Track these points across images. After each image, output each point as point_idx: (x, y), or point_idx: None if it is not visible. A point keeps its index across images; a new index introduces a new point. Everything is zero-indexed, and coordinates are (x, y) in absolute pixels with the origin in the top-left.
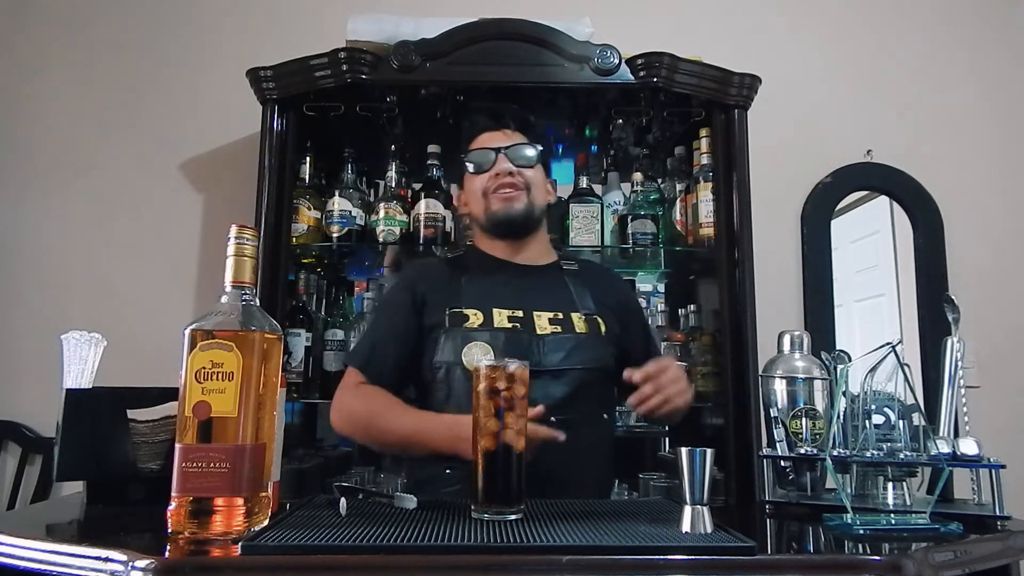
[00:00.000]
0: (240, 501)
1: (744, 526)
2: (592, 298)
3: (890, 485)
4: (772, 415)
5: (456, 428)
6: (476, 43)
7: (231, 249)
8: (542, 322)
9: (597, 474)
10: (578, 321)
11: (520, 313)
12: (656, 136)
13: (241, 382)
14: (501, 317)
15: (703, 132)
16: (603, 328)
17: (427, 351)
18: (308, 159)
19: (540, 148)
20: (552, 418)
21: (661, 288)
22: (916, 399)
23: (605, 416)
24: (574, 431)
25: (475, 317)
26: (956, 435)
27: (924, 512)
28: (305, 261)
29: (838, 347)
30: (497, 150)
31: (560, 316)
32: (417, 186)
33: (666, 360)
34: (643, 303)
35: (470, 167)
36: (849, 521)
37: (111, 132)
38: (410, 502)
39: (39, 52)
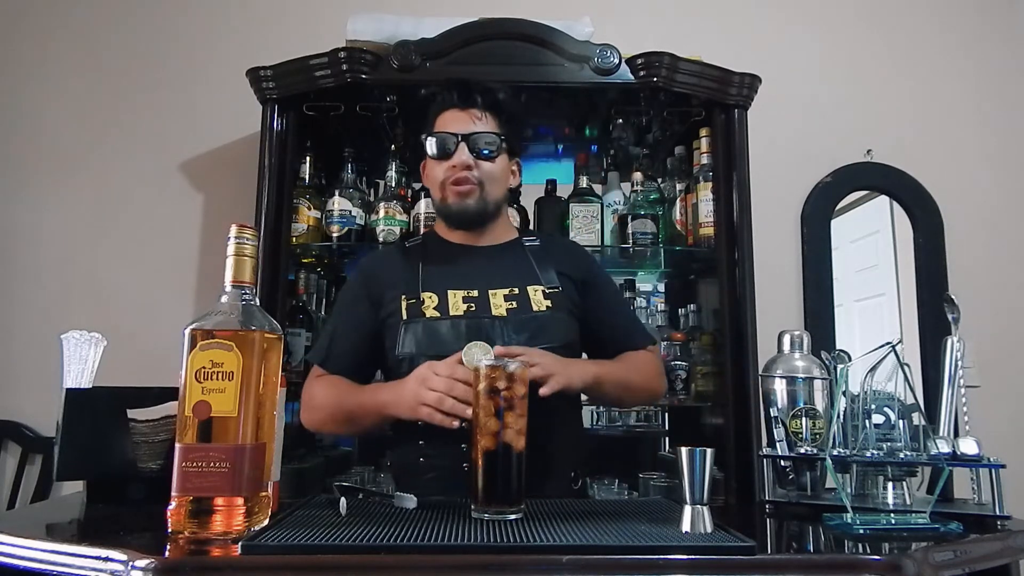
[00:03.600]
0: (240, 501)
1: (744, 526)
2: (555, 271)
3: (890, 485)
4: (772, 415)
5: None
6: (476, 43)
7: (231, 249)
8: (497, 300)
9: (563, 459)
10: (535, 295)
11: (475, 293)
12: (656, 136)
13: (241, 382)
14: (456, 299)
15: (703, 132)
16: (566, 302)
17: (387, 340)
18: (308, 159)
19: (502, 136)
20: None
21: (661, 288)
22: (916, 399)
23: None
24: (539, 415)
25: (430, 300)
26: (956, 435)
27: (924, 512)
28: (305, 261)
29: (838, 347)
30: (458, 139)
31: (516, 291)
32: (417, 186)
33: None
34: (643, 302)
35: (430, 150)
36: (849, 521)
37: (111, 132)
38: (410, 502)
39: (39, 52)
